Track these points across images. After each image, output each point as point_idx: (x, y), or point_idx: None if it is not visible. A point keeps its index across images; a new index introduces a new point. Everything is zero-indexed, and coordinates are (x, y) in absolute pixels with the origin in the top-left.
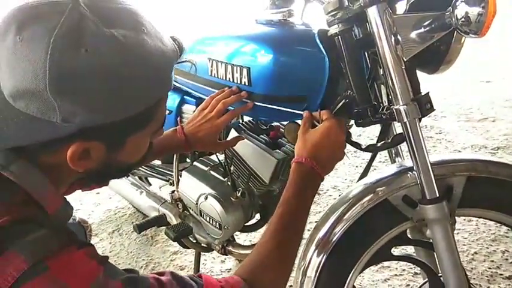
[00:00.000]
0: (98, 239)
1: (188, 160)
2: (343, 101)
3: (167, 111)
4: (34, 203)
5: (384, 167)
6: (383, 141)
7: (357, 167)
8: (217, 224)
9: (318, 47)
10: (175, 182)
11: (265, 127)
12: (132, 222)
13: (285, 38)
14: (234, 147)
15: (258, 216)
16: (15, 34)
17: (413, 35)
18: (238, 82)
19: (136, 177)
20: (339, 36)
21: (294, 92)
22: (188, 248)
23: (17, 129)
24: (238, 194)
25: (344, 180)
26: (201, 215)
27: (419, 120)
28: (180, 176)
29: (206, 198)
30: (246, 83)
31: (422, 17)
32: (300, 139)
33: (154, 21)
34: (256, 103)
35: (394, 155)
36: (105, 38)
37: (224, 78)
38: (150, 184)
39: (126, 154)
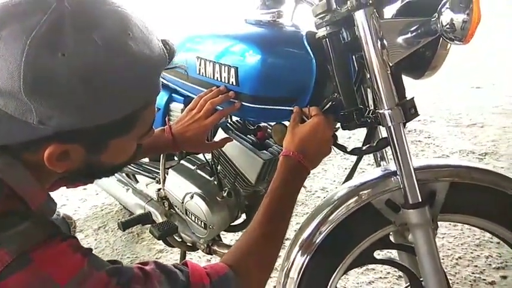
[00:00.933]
0: (83, 235)
1: (176, 158)
2: (330, 103)
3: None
4: (17, 198)
5: (368, 170)
6: (368, 145)
7: (345, 169)
8: (203, 223)
9: (305, 49)
10: (161, 180)
11: (252, 127)
12: (119, 219)
13: (273, 39)
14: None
15: (244, 216)
16: None
17: (399, 40)
18: (226, 82)
19: (123, 174)
20: (327, 39)
21: (281, 93)
22: (174, 247)
23: None
24: (224, 194)
25: (332, 182)
26: (186, 213)
27: (404, 124)
28: (167, 174)
29: (192, 197)
30: (234, 83)
31: (409, 22)
32: (288, 133)
33: (146, 24)
34: (244, 103)
35: (379, 159)
36: (84, 42)
37: (212, 77)
38: (137, 181)
39: (109, 156)
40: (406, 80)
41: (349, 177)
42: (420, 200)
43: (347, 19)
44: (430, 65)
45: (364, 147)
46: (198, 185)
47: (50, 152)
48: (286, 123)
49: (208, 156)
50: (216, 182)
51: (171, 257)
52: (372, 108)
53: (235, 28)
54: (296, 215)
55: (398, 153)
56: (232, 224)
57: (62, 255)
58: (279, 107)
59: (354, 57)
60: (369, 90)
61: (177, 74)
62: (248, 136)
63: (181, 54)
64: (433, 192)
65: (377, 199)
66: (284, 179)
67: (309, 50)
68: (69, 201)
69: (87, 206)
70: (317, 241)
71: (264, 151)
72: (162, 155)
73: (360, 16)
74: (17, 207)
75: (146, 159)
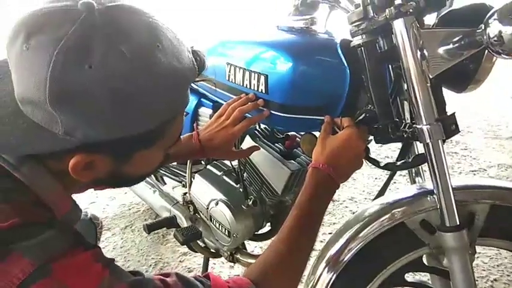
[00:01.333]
0: (110, 234)
1: (203, 162)
2: (363, 115)
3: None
4: (43, 206)
5: (403, 187)
6: (403, 161)
7: (376, 178)
8: (227, 231)
9: (339, 58)
10: (187, 184)
11: (281, 136)
12: (145, 219)
13: (306, 47)
14: None
15: (269, 226)
16: (22, 42)
17: (441, 51)
18: (255, 89)
19: (151, 175)
20: (362, 48)
21: (312, 102)
22: (197, 252)
23: (24, 136)
24: (250, 202)
25: (362, 192)
26: (211, 220)
27: (443, 141)
28: (193, 179)
29: (217, 203)
30: (263, 91)
31: (451, 32)
32: (319, 144)
33: (177, 35)
34: (273, 112)
35: (414, 175)
36: (112, 54)
37: (241, 84)
38: (164, 183)
39: (134, 167)
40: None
41: (381, 193)
42: (458, 223)
43: (384, 27)
44: (474, 79)
45: (398, 163)
46: (224, 191)
47: (75, 162)
48: (316, 133)
49: (235, 162)
50: (241, 190)
51: (194, 260)
52: (409, 121)
53: (266, 34)
54: (322, 224)
55: (437, 172)
56: (257, 233)
57: (83, 266)
58: (309, 117)
59: (390, 67)
60: (405, 102)
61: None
62: (276, 145)
63: (212, 59)
64: (471, 215)
65: (411, 219)
66: (313, 193)
67: (343, 58)
68: (98, 198)
69: (116, 205)
70: (345, 259)
71: (292, 161)
72: (189, 160)
73: (399, 25)
74: (43, 216)
75: (174, 162)
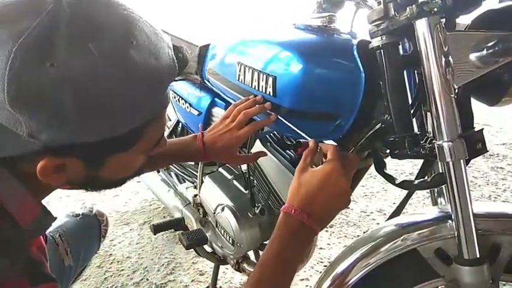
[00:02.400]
0: (128, 229)
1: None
2: (379, 125)
3: (196, 113)
4: (7, 214)
5: (421, 208)
6: (422, 179)
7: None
8: (231, 239)
9: (354, 60)
10: (198, 186)
11: (292, 142)
12: (164, 217)
13: (319, 47)
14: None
15: None
16: None
17: (471, 57)
18: (263, 91)
19: (171, 173)
20: (381, 50)
21: (322, 108)
22: (202, 257)
23: None
24: (257, 211)
25: (392, 204)
26: (216, 226)
27: (467, 162)
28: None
29: (223, 209)
30: (271, 93)
31: (484, 36)
32: (294, 180)
33: (156, 30)
34: (280, 116)
35: (436, 195)
36: (77, 52)
37: (250, 85)
38: (181, 182)
39: (110, 171)
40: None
41: (396, 212)
42: (478, 256)
43: (407, 28)
44: (509, 91)
45: (416, 181)
46: (231, 197)
47: (43, 165)
48: (330, 142)
49: (245, 167)
50: (249, 197)
51: (207, 263)
52: (431, 136)
53: (279, 33)
54: (346, 236)
55: (456, 196)
56: (266, 242)
57: None
58: (319, 124)
59: (415, 73)
60: (429, 114)
61: (218, 78)
62: (287, 151)
63: (229, 57)
64: (496, 247)
65: (425, 246)
66: (281, 243)
67: (359, 61)
68: (122, 192)
69: (138, 200)
70: (350, 281)
71: None
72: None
73: (421, 26)
74: (2, 225)
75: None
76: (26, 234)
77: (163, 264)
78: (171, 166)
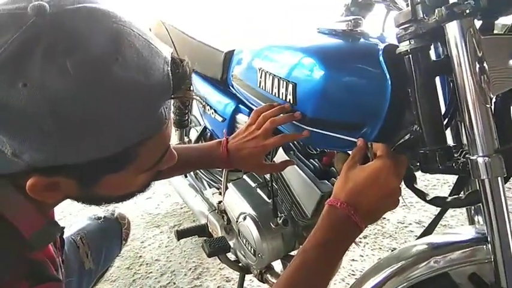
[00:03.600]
0: (159, 231)
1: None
2: (407, 136)
3: (220, 119)
4: (11, 226)
5: (455, 228)
6: (456, 196)
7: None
8: (252, 249)
9: (380, 67)
10: (222, 193)
11: (316, 151)
12: (194, 221)
13: (342, 52)
14: None
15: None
16: None
17: (511, 63)
18: (283, 98)
19: (198, 177)
20: (410, 56)
21: (345, 118)
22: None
23: None
24: (280, 221)
25: (432, 216)
26: (239, 234)
27: (506, 179)
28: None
29: (245, 218)
30: (291, 101)
31: None
32: (342, 175)
33: (150, 43)
34: (299, 125)
35: (473, 213)
36: (53, 70)
37: (271, 92)
38: (208, 188)
39: (106, 190)
40: None
41: (428, 230)
42: None
43: (438, 31)
44: None
45: (449, 198)
46: (254, 206)
47: (32, 183)
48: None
49: (269, 175)
50: (272, 206)
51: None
52: (467, 149)
53: (301, 38)
54: (380, 248)
55: (492, 216)
56: (290, 253)
57: None
58: (341, 135)
59: (449, 80)
60: (463, 126)
61: (242, 84)
62: (311, 160)
63: (252, 63)
64: None
65: (458, 270)
66: (325, 237)
67: (385, 67)
68: (154, 194)
69: (169, 202)
70: None
71: (326, 181)
72: None
73: (452, 29)
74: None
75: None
76: (30, 245)
77: (190, 269)
78: (198, 171)
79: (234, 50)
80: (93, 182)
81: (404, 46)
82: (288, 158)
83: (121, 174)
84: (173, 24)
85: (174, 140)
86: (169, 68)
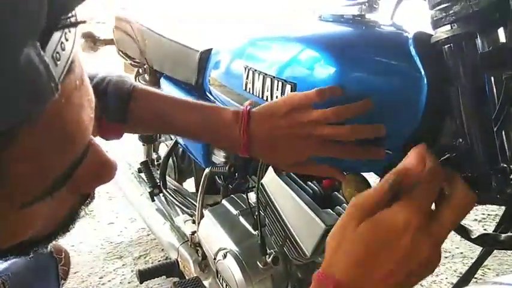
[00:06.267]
0: (121, 264)
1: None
2: (448, 155)
3: None
4: None
5: (502, 276)
6: (509, 234)
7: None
8: None
9: (411, 60)
10: (196, 221)
11: None
12: (162, 249)
13: (358, 43)
14: (270, 192)
15: None
16: None
17: None
18: None
19: (168, 201)
20: (451, 45)
21: None
22: None
23: None
24: (269, 259)
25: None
26: (217, 275)
27: None
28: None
29: (225, 256)
30: None
31: None
32: (337, 232)
33: None
34: None
35: None
36: None
37: (260, 95)
38: (179, 214)
39: None
40: None
41: (466, 278)
42: None
43: (490, 12)
44: None
45: (502, 236)
46: (236, 240)
47: None
48: (366, 175)
49: (254, 197)
50: (259, 241)
51: None
52: None
53: (299, 27)
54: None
55: None
56: None
57: None
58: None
59: (493, 79)
60: None
61: (224, 89)
62: (309, 183)
63: (235, 63)
64: None
65: None
66: None
67: (418, 61)
68: (118, 219)
69: (134, 228)
70: None
71: (329, 210)
72: (200, 187)
73: None
74: None
75: (189, 185)
76: None
77: None
78: (167, 193)
79: (211, 49)
80: None
81: (443, 32)
82: (279, 180)
83: None
84: (139, 20)
85: (139, 157)
86: None
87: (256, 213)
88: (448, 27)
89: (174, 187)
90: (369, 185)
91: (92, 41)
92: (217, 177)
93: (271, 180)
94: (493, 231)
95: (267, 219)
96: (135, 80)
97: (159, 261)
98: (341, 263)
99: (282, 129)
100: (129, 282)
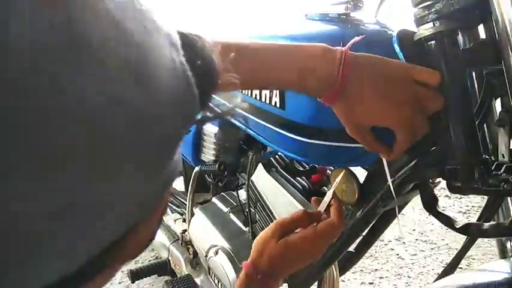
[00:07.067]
0: None
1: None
2: (431, 148)
3: None
4: None
5: (485, 264)
6: (495, 223)
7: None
8: None
9: (395, 57)
10: (187, 219)
11: (305, 167)
12: (152, 249)
13: (342, 41)
14: (260, 188)
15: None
16: None
17: None
18: (268, 102)
19: None
20: (434, 41)
21: None
22: None
23: None
24: None
25: (411, 231)
26: (209, 272)
27: None
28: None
29: (216, 252)
30: (278, 105)
31: None
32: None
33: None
34: (288, 134)
35: (509, 248)
36: None
37: (249, 94)
38: (171, 212)
39: None
40: None
41: (449, 269)
42: None
43: (471, 10)
44: None
45: (486, 225)
46: (227, 236)
47: None
48: (353, 169)
49: (245, 197)
50: (250, 237)
51: None
52: (507, 161)
53: (286, 26)
54: (362, 270)
55: None
56: None
57: None
58: (341, 145)
59: (474, 74)
60: (502, 130)
61: None
62: (298, 178)
63: None
64: None
65: None
66: None
67: (402, 58)
68: None
69: None
70: None
71: None
72: (190, 186)
73: (502, 3)
74: None
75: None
76: None
77: None
78: None
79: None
80: None
81: (426, 30)
82: (268, 177)
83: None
84: None
85: None
86: (182, 56)
87: (247, 209)
88: (431, 24)
89: None
90: (356, 178)
91: None
92: (206, 176)
93: (260, 176)
94: (477, 221)
95: (257, 215)
96: None
97: (149, 260)
98: (265, 262)
99: (386, 87)
100: (119, 283)
